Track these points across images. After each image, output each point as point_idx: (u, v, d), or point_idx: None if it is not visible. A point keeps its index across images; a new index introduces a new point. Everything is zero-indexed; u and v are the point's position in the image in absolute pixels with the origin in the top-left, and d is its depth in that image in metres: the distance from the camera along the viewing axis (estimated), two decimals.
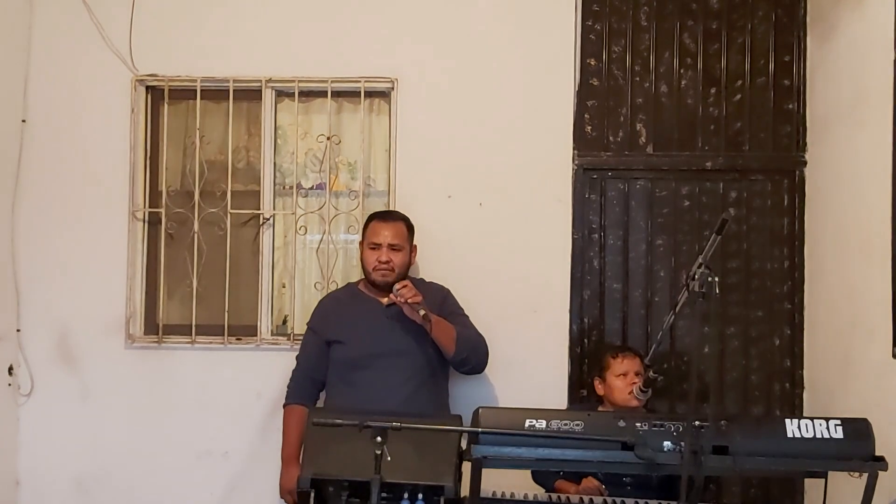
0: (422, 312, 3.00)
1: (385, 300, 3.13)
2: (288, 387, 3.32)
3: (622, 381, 3.11)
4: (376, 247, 3.22)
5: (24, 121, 3.75)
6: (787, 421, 2.33)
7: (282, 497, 3.25)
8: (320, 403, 3.31)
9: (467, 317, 3.32)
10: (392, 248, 3.22)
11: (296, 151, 3.80)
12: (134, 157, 3.75)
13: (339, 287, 3.55)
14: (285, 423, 3.28)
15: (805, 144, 3.64)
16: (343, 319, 3.26)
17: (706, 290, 2.19)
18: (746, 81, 3.67)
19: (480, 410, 2.35)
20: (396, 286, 3.04)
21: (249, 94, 3.78)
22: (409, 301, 3.00)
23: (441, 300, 3.28)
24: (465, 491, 2.45)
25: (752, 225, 3.67)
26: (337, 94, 3.77)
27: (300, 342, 3.42)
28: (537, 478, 3.14)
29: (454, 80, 3.68)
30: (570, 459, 2.33)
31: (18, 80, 3.73)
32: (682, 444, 2.24)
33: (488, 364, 3.30)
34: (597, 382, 3.23)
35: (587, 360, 3.64)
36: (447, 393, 3.35)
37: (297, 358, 3.35)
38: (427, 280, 3.42)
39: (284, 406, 3.30)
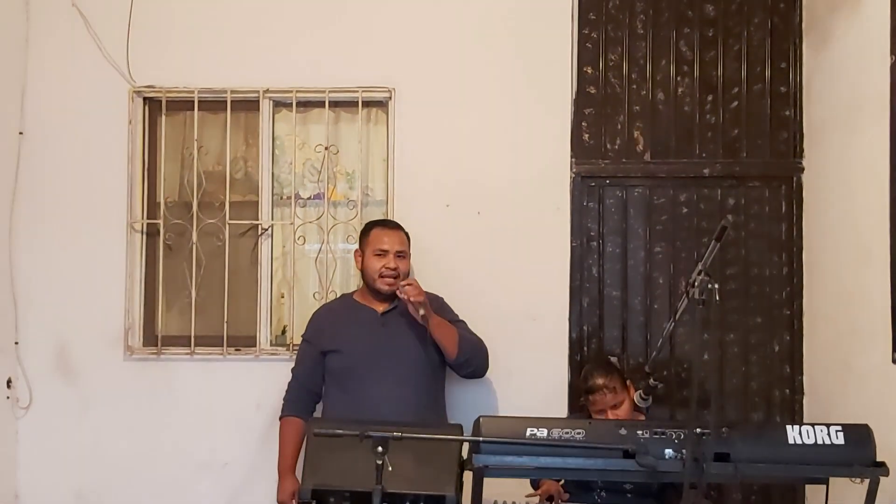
0: (421, 312, 3.04)
1: (380, 308, 3.15)
2: (284, 399, 3.31)
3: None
4: (383, 253, 3.22)
5: (21, 133, 3.75)
6: (788, 427, 2.33)
7: None
8: (317, 414, 3.30)
9: (465, 322, 3.32)
10: (398, 255, 3.23)
11: (294, 161, 3.80)
12: (132, 169, 3.75)
13: (334, 298, 3.55)
14: (282, 435, 3.28)
15: (802, 150, 3.64)
16: (338, 329, 3.26)
17: (706, 298, 2.19)
18: (743, 88, 3.68)
19: (481, 419, 2.36)
20: (403, 282, 3.10)
21: (247, 105, 3.78)
22: (411, 299, 3.04)
23: (436, 309, 3.26)
24: (466, 500, 2.44)
25: (751, 231, 3.67)
26: (334, 104, 3.77)
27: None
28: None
29: (451, 89, 3.68)
30: (572, 468, 2.34)
31: (15, 93, 3.73)
32: (684, 451, 2.24)
33: (488, 371, 3.30)
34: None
35: None
36: (444, 400, 3.35)
37: (292, 370, 3.34)
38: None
39: (281, 418, 3.30)
